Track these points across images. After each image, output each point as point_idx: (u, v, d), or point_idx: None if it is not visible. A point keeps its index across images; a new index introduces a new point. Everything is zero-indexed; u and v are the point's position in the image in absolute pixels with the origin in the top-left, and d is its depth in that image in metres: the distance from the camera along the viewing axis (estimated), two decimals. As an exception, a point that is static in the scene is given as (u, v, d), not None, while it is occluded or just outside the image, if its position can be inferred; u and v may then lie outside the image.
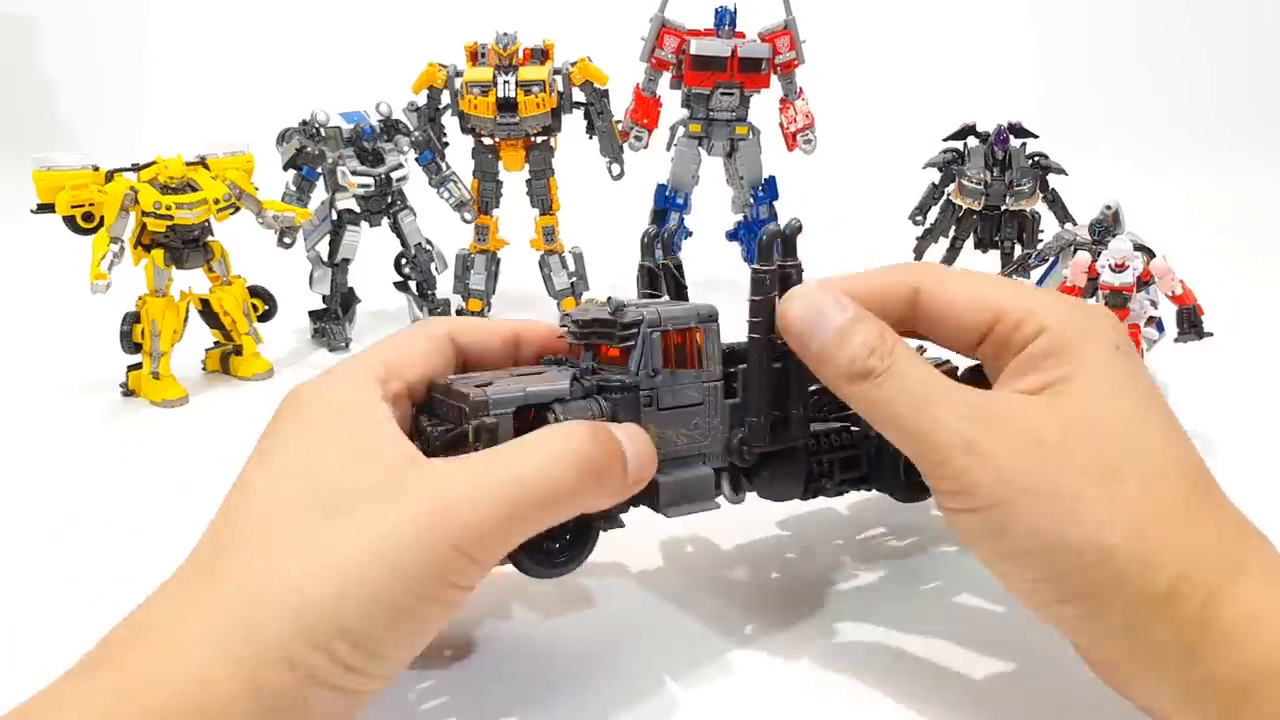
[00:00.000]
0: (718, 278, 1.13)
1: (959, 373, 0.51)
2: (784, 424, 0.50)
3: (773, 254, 0.48)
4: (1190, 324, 0.98)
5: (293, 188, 1.08)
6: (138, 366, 0.93)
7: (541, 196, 1.14)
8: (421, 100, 1.11)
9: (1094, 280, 0.89)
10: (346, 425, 0.42)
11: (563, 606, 0.56)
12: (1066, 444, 0.39)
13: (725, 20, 1.09)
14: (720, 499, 0.50)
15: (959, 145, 1.16)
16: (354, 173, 1.06)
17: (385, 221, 1.12)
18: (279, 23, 2.41)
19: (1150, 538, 0.37)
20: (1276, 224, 1.70)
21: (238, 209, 0.95)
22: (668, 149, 1.16)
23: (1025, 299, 0.45)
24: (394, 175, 1.09)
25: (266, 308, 1.01)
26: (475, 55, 1.08)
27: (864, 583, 0.58)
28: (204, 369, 0.99)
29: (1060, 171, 1.14)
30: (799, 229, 0.49)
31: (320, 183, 1.08)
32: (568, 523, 0.43)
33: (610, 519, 0.47)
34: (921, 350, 0.53)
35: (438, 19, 2.12)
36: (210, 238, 0.96)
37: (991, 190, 1.11)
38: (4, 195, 1.07)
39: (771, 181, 1.18)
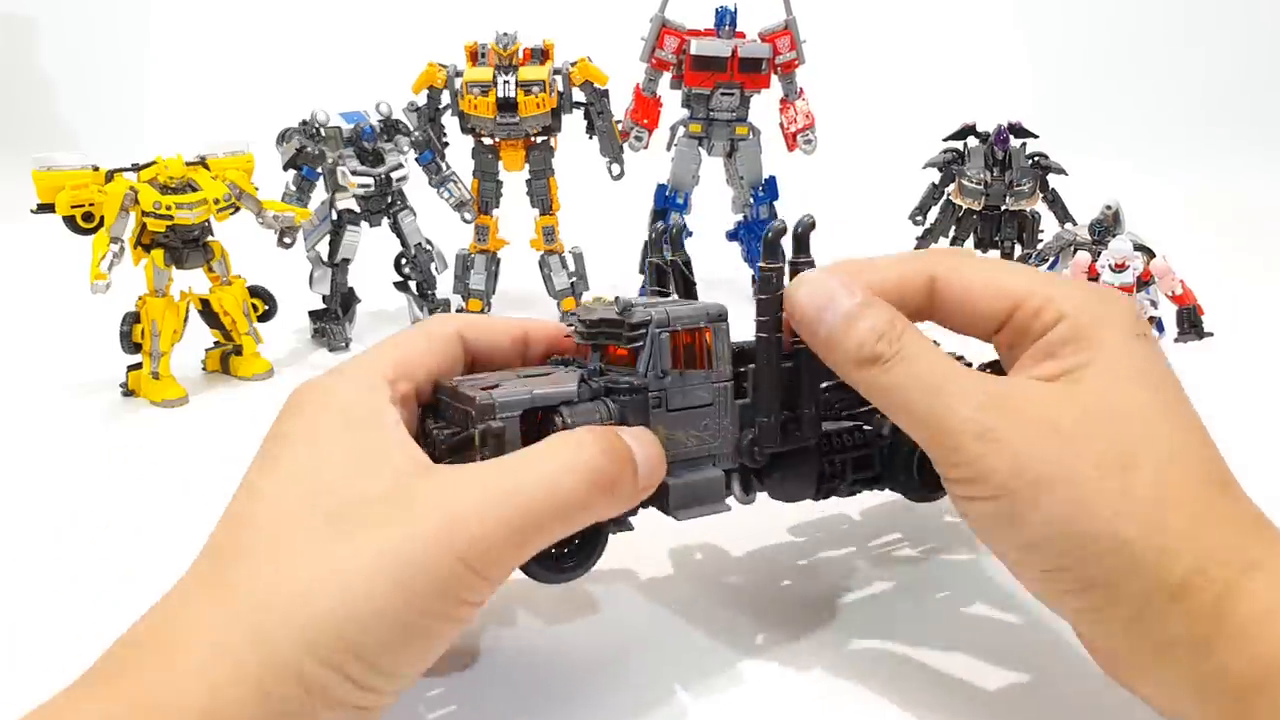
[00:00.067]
0: (718, 278, 1.13)
1: (973, 368, 0.51)
2: (795, 424, 0.49)
3: (779, 251, 0.47)
4: (1190, 324, 0.98)
5: (293, 188, 1.08)
6: (138, 366, 0.92)
7: (541, 196, 1.14)
8: (421, 100, 1.11)
9: (1094, 280, 0.89)
10: (354, 430, 0.41)
11: (569, 613, 0.55)
12: (1083, 432, 0.39)
13: (725, 20, 1.09)
14: (730, 500, 0.49)
15: (959, 145, 1.16)
16: (354, 173, 1.06)
17: (385, 221, 1.12)
18: (279, 23, 2.41)
19: (1166, 530, 0.37)
20: (1277, 224, 1.70)
21: (238, 209, 0.95)
22: (668, 149, 1.16)
23: (1044, 286, 0.44)
24: (394, 175, 1.09)
25: (266, 308, 1.01)
26: (475, 55, 1.08)
27: (876, 591, 0.57)
28: (204, 369, 0.99)
29: (1060, 171, 1.14)
30: (812, 225, 0.48)
31: (320, 183, 1.08)
32: None
33: (619, 522, 0.46)
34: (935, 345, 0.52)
35: (438, 19, 2.12)
36: (210, 238, 0.96)
37: (991, 190, 1.11)
38: (4, 195, 1.07)
39: (771, 181, 1.18)
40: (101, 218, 0.88)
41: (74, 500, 0.71)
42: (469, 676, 0.49)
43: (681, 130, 1.15)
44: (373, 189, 1.07)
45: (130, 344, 0.92)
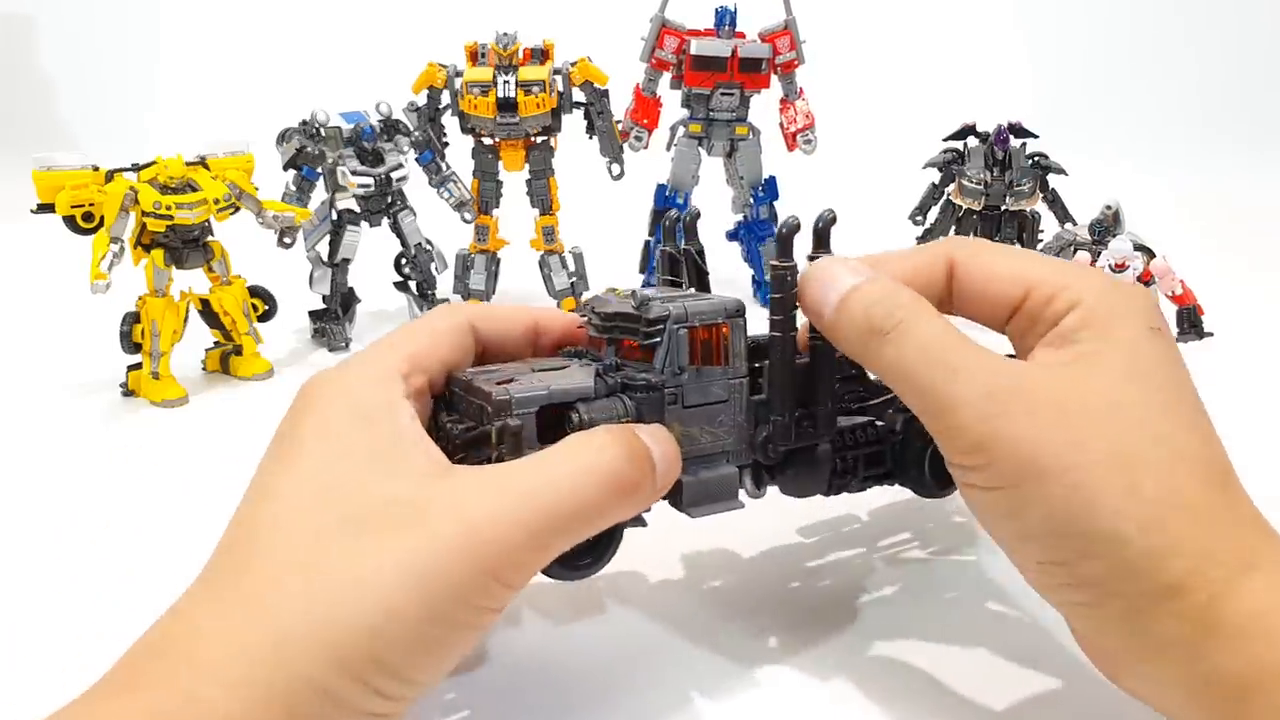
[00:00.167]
0: (718, 277, 1.12)
1: None
2: (810, 420, 0.49)
3: (792, 248, 0.46)
4: (1190, 324, 0.98)
5: (293, 188, 1.08)
6: (138, 366, 0.92)
7: (541, 196, 1.14)
8: (421, 100, 1.11)
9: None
10: (369, 426, 0.40)
11: (578, 614, 0.55)
12: (1088, 427, 0.38)
13: (725, 20, 1.09)
14: (741, 495, 0.49)
15: (959, 145, 1.16)
16: (354, 173, 1.05)
17: (385, 221, 1.12)
18: (279, 23, 2.41)
19: (1164, 529, 0.37)
20: (1277, 224, 1.70)
21: (238, 209, 0.95)
22: (668, 149, 1.16)
23: (1060, 274, 0.43)
24: (394, 175, 1.09)
25: (266, 308, 1.01)
26: (475, 55, 1.08)
27: (886, 593, 0.57)
28: (204, 369, 0.99)
29: (1060, 171, 1.14)
30: (833, 220, 0.47)
31: (320, 183, 1.08)
32: None
33: (634, 517, 0.46)
34: None
35: (438, 19, 2.12)
36: (210, 238, 0.96)
37: (991, 190, 1.11)
38: (4, 195, 1.07)
39: (771, 182, 1.18)
40: (101, 218, 0.88)
41: (74, 500, 0.71)
42: (479, 678, 0.49)
43: (681, 130, 1.15)
44: (373, 189, 1.07)
45: (130, 344, 0.92)
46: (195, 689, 0.33)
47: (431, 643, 0.36)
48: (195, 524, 0.66)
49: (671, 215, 0.55)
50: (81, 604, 0.57)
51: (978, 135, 1.15)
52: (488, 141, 1.12)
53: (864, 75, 2.08)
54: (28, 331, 1.15)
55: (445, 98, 1.11)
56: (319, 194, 1.09)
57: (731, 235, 1.23)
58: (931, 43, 2.34)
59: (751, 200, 1.17)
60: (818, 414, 0.49)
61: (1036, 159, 1.13)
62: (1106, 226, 1.00)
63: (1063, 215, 1.15)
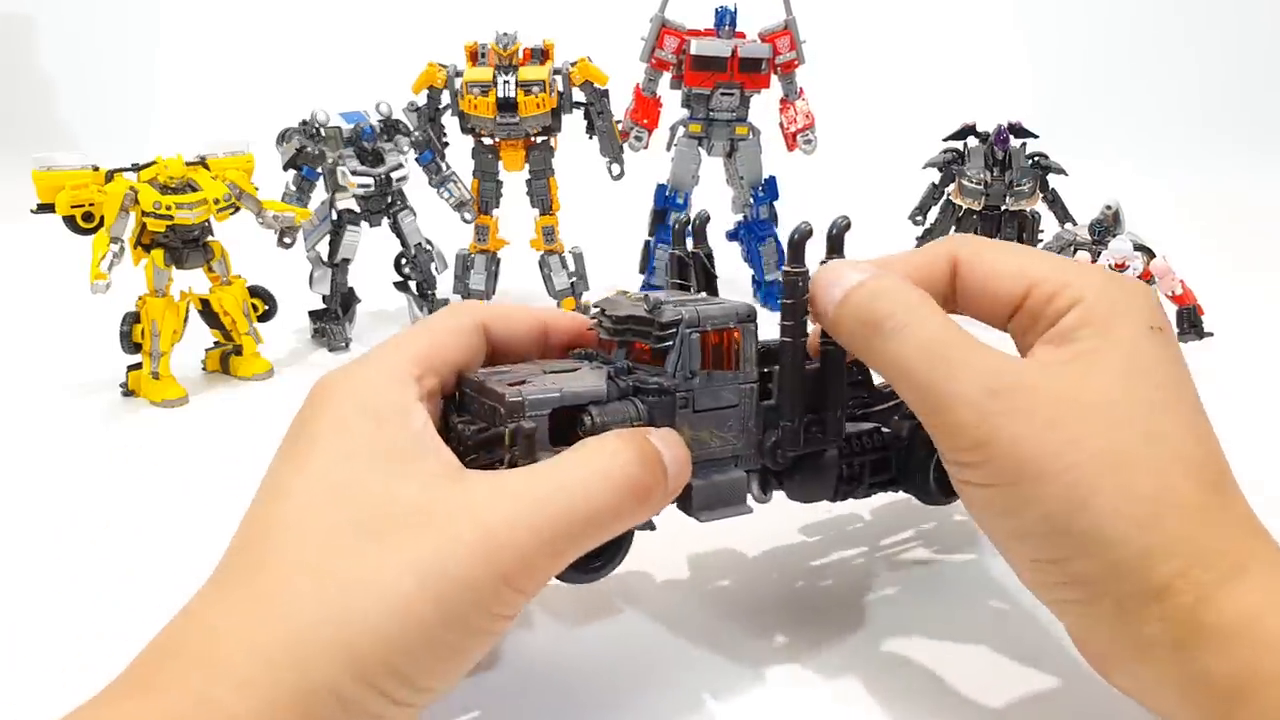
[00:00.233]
0: (719, 277, 1.13)
1: None
2: (819, 426, 0.49)
3: (804, 254, 0.46)
4: (1190, 324, 0.98)
5: (293, 188, 1.08)
6: (138, 366, 0.92)
7: (541, 196, 1.14)
8: (421, 100, 1.11)
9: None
10: (383, 428, 0.40)
11: (587, 615, 0.55)
12: (1085, 426, 0.38)
13: (725, 20, 1.09)
14: (749, 500, 0.49)
15: (959, 145, 1.16)
16: (354, 173, 1.05)
17: (385, 221, 1.12)
18: (279, 23, 2.40)
19: (1156, 531, 0.36)
20: (1277, 225, 1.70)
21: (238, 209, 0.95)
22: (668, 149, 1.16)
23: (1062, 271, 0.43)
24: (394, 175, 1.09)
25: (266, 308, 1.01)
26: (475, 55, 1.08)
27: (891, 591, 0.57)
28: (204, 369, 0.99)
29: (1060, 171, 1.14)
30: (847, 226, 0.47)
31: (320, 183, 1.08)
32: None
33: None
34: None
35: (438, 19, 2.12)
36: (210, 238, 0.96)
37: (991, 190, 1.11)
38: (4, 195, 1.07)
39: (771, 181, 1.18)
40: (101, 218, 0.88)
41: (74, 500, 0.71)
42: (491, 679, 0.49)
43: (681, 130, 1.15)
44: (373, 189, 1.07)
45: (130, 344, 0.92)
46: (208, 691, 0.32)
47: (445, 648, 0.36)
48: (195, 524, 0.66)
49: (681, 219, 0.54)
50: (81, 604, 0.57)
51: (978, 135, 1.15)
52: (488, 141, 1.12)
53: (864, 75, 2.08)
54: (28, 331, 1.15)
55: (445, 98, 1.10)
56: (319, 194, 1.09)
57: (731, 235, 1.23)
58: (931, 43, 2.34)
59: (751, 200, 1.17)
60: (827, 420, 0.49)
61: (1036, 159, 1.13)
62: (1106, 226, 1.00)
63: (1063, 215, 1.15)
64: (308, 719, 0.33)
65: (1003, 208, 1.12)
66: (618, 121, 1.13)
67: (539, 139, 1.12)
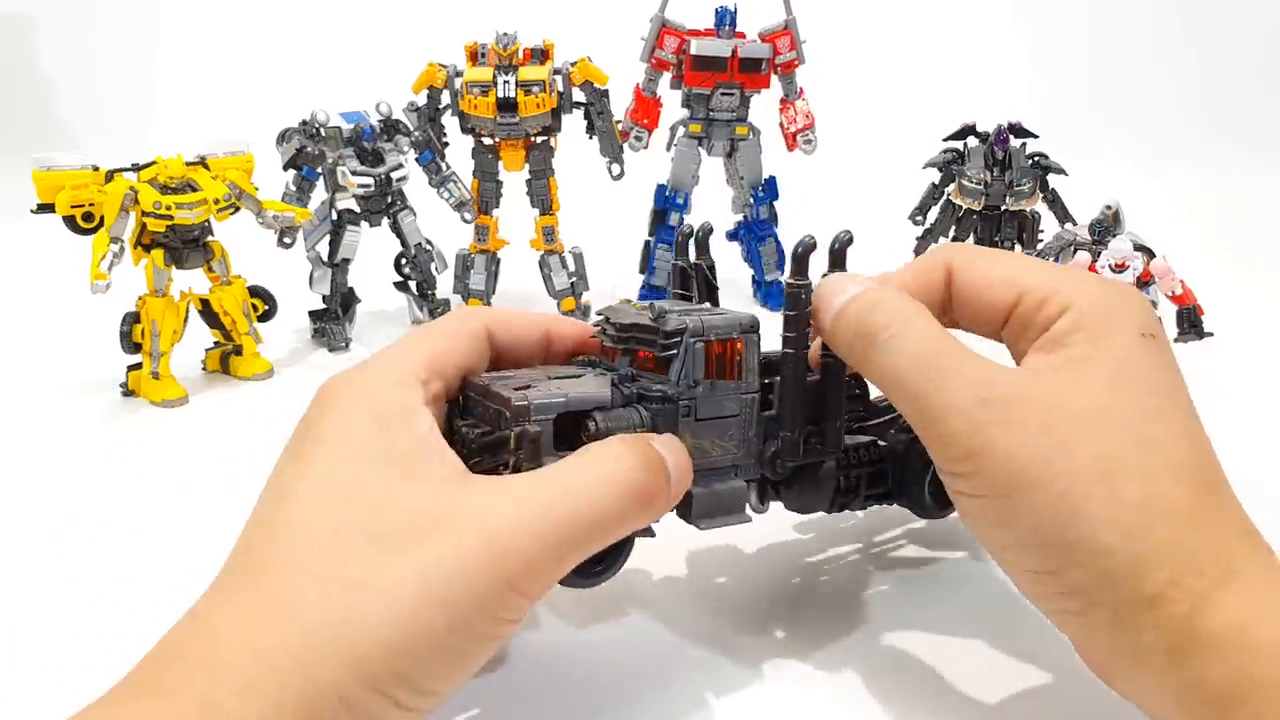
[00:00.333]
0: (719, 278, 1.13)
1: None
2: (818, 438, 0.49)
3: (808, 267, 0.47)
4: (1190, 324, 0.98)
5: (293, 188, 1.08)
6: (138, 366, 0.92)
7: (541, 196, 1.14)
8: (421, 100, 1.11)
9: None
10: (388, 431, 0.40)
11: (589, 615, 0.55)
12: (1076, 434, 0.38)
13: (725, 20, 1.09)
14: (747, 509, 0.49)
15: (959, 145, 1.16)
16: (354, 173, 1.05)
17: (385, 221, 1.12)
18: (280, 23, 2.40)
19: (1148, 539, 0.36)
20: (1277, 225, 1.70)
21: (238, 209, 0.95)
22: (668, 149, 1.16)
23: (1052, 278, 0.43)
24: (394, 175, 1.09)
25: (266, 308, 1.01)
26: (475, 55, 1.08)
27: (888, 588, 0.57)
28: (204, 369, 0.99)
29: (1060, 171, 1.14)
30: (849, 241, 0.48)
31: (320, 183, 1.08)
32: None
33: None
34: None
35: (438, 19, 2.12)
36: (210, 238, 0.96)
37: (991, 190, 1.11)
38: (4, 195, 1.07)
39: (772, 182, 1.18)
40: (101, 218, 0.88)
41: (74, 500, 0.71)
42: (495, 680, 0.49)
43: (681, 130, 1.15)
44: (373, 189, 1.07)
45: (130, 344, 0.92)
46: (212, 694, 0.32)
47: (450, 653, 0.36)
48: (195, 524, 0.66)
49: (684, 230, 0.55)
50: (81, 604, 0.57)
51: (978, 135, 1.15)
52: (488, 141, 1.12)
53: (864, 75, 2.08)
54: (28, 331, 1.15)
55: (445, 98, 1.10)
56: (319, 194, 1.09)
57: (731, 235, 1.23)
58: (931, 43, 2.34)
59: (751, 200, 1.17)
60: (826, 431, 0.50)
61: (1036, 159, 1.13)
62: (1106, 226, 1.00)
63: (1063, 215, 1.15)
64: (312, 718, 0.33)
65: (1003, 208, 1.12)
66: (618, 121, 1.13)
67: (539, 139, 1.12)
